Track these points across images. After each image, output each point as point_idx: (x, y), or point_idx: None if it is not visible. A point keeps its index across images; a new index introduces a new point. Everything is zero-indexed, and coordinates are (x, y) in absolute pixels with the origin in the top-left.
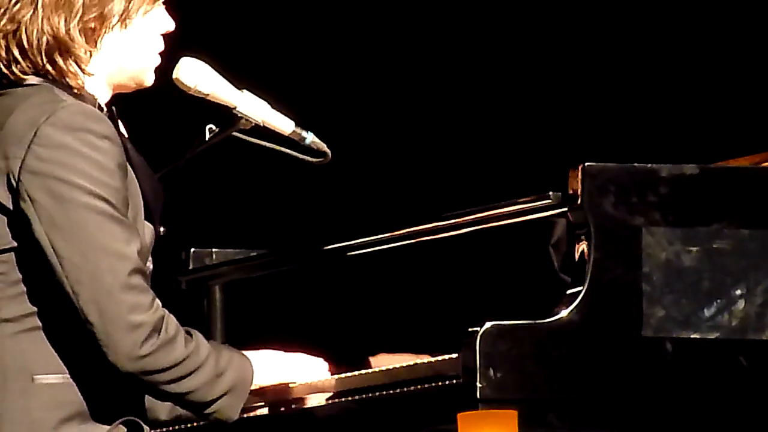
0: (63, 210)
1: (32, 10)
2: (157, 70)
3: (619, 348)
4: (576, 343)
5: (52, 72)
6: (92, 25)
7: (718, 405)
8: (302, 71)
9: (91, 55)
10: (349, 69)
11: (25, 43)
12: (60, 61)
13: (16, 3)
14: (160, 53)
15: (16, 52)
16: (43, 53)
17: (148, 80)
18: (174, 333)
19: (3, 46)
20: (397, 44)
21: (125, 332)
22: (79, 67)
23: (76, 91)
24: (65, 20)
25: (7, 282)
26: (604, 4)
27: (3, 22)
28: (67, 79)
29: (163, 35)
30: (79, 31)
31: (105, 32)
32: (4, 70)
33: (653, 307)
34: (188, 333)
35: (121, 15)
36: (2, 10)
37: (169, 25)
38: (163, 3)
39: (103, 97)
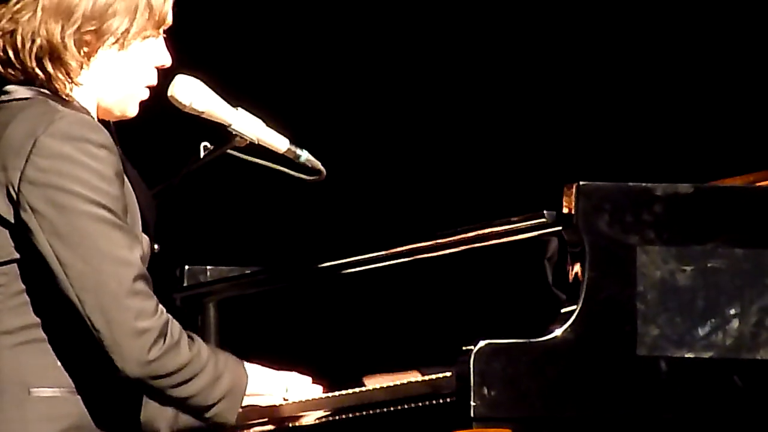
0: (65, 219)
1: (32, 13)
2: (153, 88)
3: (613, 366)
4: (570, 362)
5: (41, 76)
6: (88, 38)
7: (713, 424)
8: (297, 89)
9: (81, 67)
10: (343, 87)
11: (19, 43)
12: (49, 66)
13: (17, 3)
14: (149, 86)
15: (10, 53)
16: (34, 56)
17: (132, 111)
18: (178, 337)
19: (0, 45)
20: (392, 63)
21: (133, 338)
22: (68, 75)
23: (69, 101)
24: (62, 27)
25: (8, 294)
26: (603, 20)
27: (3, 22)
28: (55, 85)
29: (157, 68)
30: (74, 41)
31: (99, 48)
32: (1, 69)
33: (648, 325)
34: (190, 337)
35: (120, 35)
36: (3, 9)
37: (166, 59)
38: (164, 35)
39: (93, 113)
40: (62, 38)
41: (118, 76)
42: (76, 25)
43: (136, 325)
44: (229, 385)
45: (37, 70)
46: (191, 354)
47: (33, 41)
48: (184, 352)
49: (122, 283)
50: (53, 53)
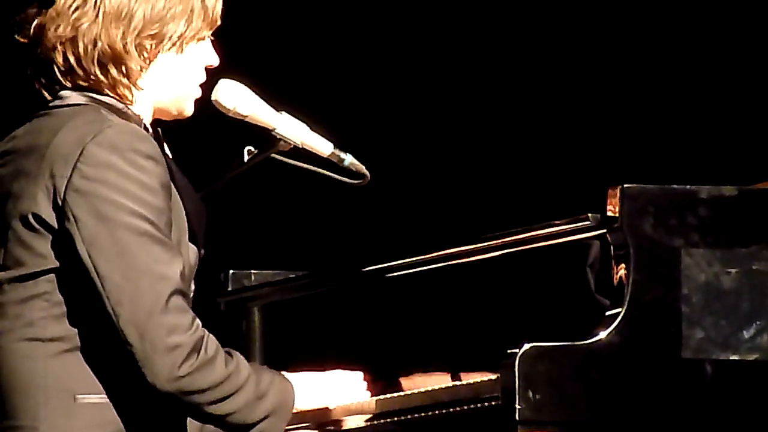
0: (106, 230)
1: (92, 19)
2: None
3: (658, 370)
4: (615, 365)
5: (104, 82)
6: (148, 42)
7: (759, 427)
8: (341, 93)
9: (142, 71)
10: (387, 92)
11: (81, 51)
12: (113, 71)
13: (76, 9)
14: (201, 85)
15: (72, 60)
16: (97, 63)
17: (188, 110)
18: (213, 353)
19: (60, 53)
20: (433, 67)
21: (164, 353)
22: (131, 81)
23: (122, 109)
24: (123, 33)
25: (51, 302)
26: (638, 25)
27: (61, 29)
28: (118, 91)
29: (206, 68)
30: (136, 46)
31: (159, 52)
32: (60, 77)
33: (692, 328)
34: (228, 354)
35: (178, 38)
36: (61, 16)
37: (214, 59)
38: (212, 37)
39: (147, 118)
40: (124, 44)
41: (175, 77)
42: (137, 31)
43: (168, 340)
44: (274, 405)
45: (101, 77)
46: (227, 371)
47: (95, 47)
48: (219, 368)
49: (158, 299)
50: (116, 59)
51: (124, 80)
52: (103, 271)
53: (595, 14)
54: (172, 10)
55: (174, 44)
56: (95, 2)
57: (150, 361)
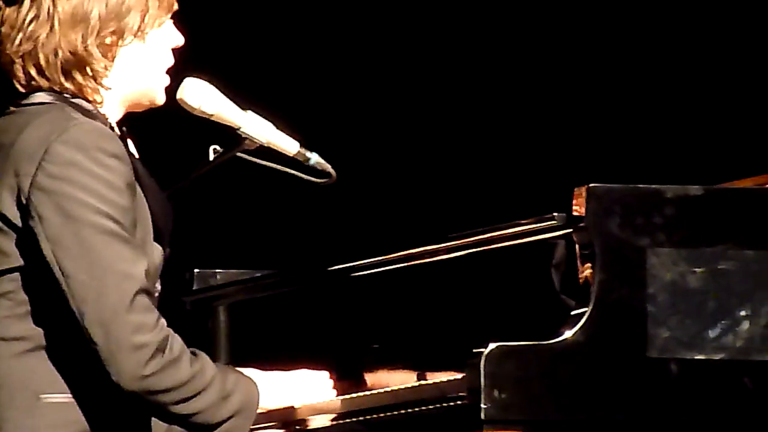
0: (70, 228)
1: (49, 29)
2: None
3: (623, 369)
4: (581, 364)
5: (71, 88)
6: (109, 39)
7: (723, 426)
8: (307, 92)
9: (107, 70)
10: (353, 90)
11: (42, 62)
12: (79, 77)
13: (31, 22)
14: (168, 71)
15: (33, 72)
16: (61, 71)
17: (160, 98)
18: (179, 353)
19: (20, 67)
20: (401, 66)
21: (129, 352)
22: (97, 82)
23: (90, 110)
24: (82, 37)
25: (15, 301)
26: (610, 24)
27: (18, 42)
28: (85, 94)
29: (172, 50)
30: (97, 46)
31: (122, 46)
32: (21, 89)
33: (658, 327)
34: (194, 354)
35: (138, 28)
36: (16, 30)
37: (179, 39)
38: (171, 18)
39: (115, 116)
40: (85, 47)
41: (142, 68)
42: (96, 31)
43: (133, 339)
44: (240, 404)
45: (66, 84)
46: (192, 371)
47: (57, 56)
48: (184, 368)
49: (123, 298)
50: (80, 64)
51: (91, 83)
52: (68, 269)
53: (562, 17)
54: (127, 2)
55: (135, 35)
56: (49, 11)
57: (115, 360)
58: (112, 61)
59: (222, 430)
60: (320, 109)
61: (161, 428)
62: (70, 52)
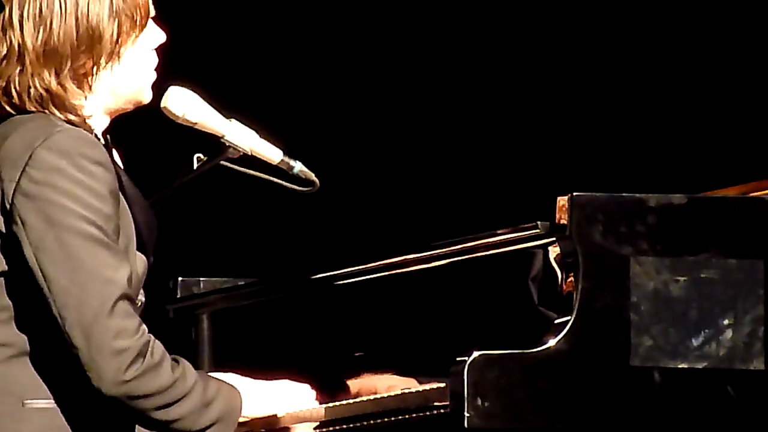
0: (53, 233)
1: (20, 67)
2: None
3: (606, 377)
4: (564, 373)
5: (51, 114)
6: (83, 69)
7: None
8: (290, 100)
9: (85, 94)
10: (336, 100)
11: (16, 98)
12: (53, 109)
13: (2, 60)
14: (155, 68)
15: (8, 108)
16: (35, 103)
17: (146, 98)
18: (159, 359)
19: None
20: (382, 75)
21: (109, 357)
22: (74, 107)
23: (72, 118)
24: (56, 72)
25: None
26: (593, 36)
27: None
28: (68, 118)
29: (155, 48)
30: (71, 79)
31: (98, 71)
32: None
33: (641, 336)
34: (175, 360)
35: (111, 52)
36: None
37: (161, 37)
38: (152, 18)
39: (100, 125)
40: (59, 83)
41: (123, 82)
42: (68, 65)
43: (114, 344)
44: (221, 413)
45: (45, 111)
46: (174, 376)
47: (29, 93)
48: (165, 374)
49: (105, 303)
50: (55, 99)
51: (70, 115)
52: (50, 274)
53: (542, 24)
54: (97, 29)
55: (110, 59)
56: (19, 48)
57: (95, 365)
58: (90, 88)
59: None
60: (304, 117)
61: None
62: (44, 89)
